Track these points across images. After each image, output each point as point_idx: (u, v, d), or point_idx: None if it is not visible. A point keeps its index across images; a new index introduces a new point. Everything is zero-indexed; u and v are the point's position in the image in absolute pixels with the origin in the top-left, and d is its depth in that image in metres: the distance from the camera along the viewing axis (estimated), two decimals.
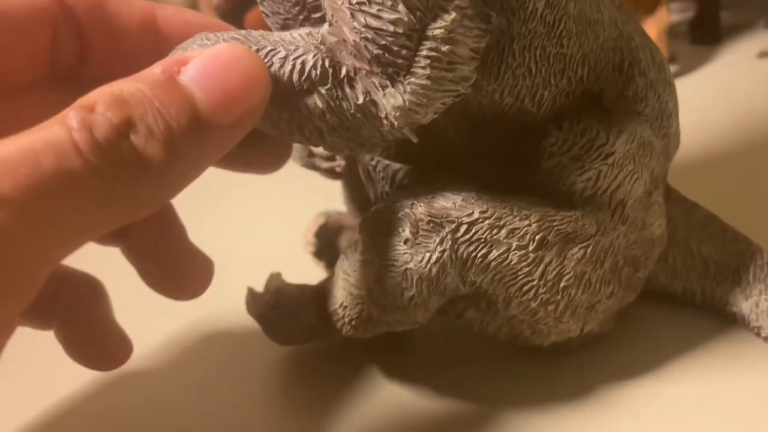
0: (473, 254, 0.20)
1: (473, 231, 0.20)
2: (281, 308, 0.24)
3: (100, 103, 0.16)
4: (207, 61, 0.17)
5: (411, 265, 0.20)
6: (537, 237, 0.20)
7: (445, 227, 0.20)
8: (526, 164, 0.22)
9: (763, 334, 0.24)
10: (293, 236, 0.32)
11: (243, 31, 0.19)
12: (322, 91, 0.18)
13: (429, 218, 0.20)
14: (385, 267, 0.20)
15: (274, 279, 0.26)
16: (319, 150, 0.27)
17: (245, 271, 0.27)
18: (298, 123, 0.19)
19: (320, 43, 0.18)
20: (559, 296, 0.21)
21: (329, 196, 0.32)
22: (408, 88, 0.18)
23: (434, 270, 0.20)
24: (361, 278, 0.21)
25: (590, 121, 0.21)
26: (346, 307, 0.22)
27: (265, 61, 0.18)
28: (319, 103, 0.18)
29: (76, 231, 0.16)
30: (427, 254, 0.20)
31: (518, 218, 0.20)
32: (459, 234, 0.20)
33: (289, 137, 0.19)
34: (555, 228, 0.21)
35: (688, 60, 0.48)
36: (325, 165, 0.27)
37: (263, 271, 0.25)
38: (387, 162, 0.23)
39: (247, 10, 0.41)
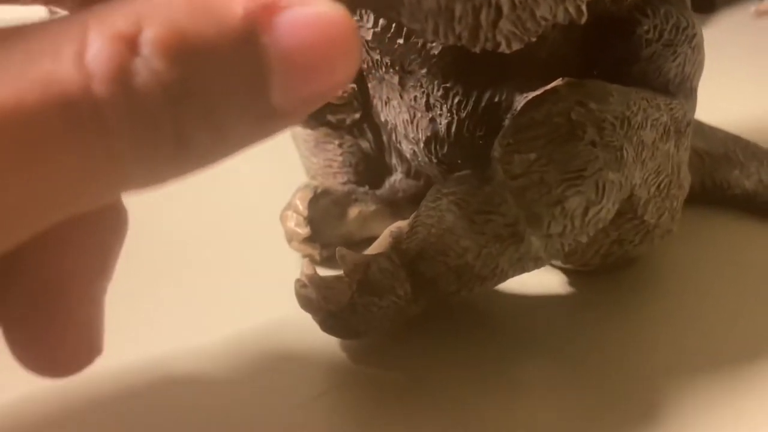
0: (638, 152, 0.18)
1: (633, 125, 0.18)
2: (373, 286, 0.19)
3: (150, 40, 0.10)
4: (302, 24, 0.11)
5: (606, 170, 0.17)
6: (667, 127, 0.19)
7: (616, 124, 0.17)
8: (624, 58, 0.20)
9: None
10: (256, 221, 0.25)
11: None
12: None
13: (605, 115, 0.17)
14: (568, 181, 0.17)
15: (309, 266, 0.20)
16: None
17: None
18: None
19: None
20: (680, 189, 0.20)
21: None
22: None
23: (626, 172, 0.17)
24: (524, 207, 0.17)
25: (665, 6, 0.20)
26: (488, 254, 0.18)
27: None
28: None
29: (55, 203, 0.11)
30: (618, 153, 0.17)
31: (653, 108, 0.19)
32: (625, 130, 0.18)
33: (448, 23, 0.15)
34: (673, 116, 0.19)
35: None
36: (338, 116, 0.22)
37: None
38: (455, 88, 0.19)
39: None
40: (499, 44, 0.16)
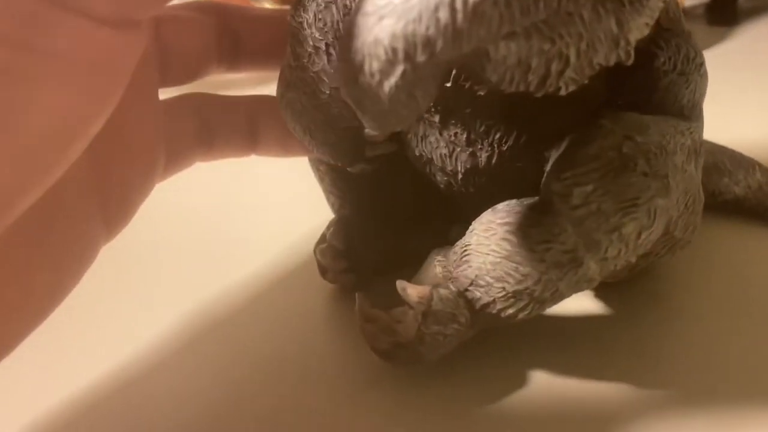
0: (674, 177, 0.19)
1: (669, 152, 0.19)
2: (438, 316, 0.20)
3: None
4: None
5: (657, 198, 0.18)
6: (690, 150, 0.21)
7: (658, 153, 0.19)
8: (644, 89, 0.22)
9: (761, 209, 0.28)
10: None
11: None
12: (584, 13, 0.16)
13: (649, 146, 0.19)
14: (624, 210, 0.18)
15: (362, 300, 0.21)
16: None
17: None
18: (559, 50, 0.16)
19: None
20: (701, 204, 0.22)
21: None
22: (648, 3, 0.17)
23: (672, 197, 0.19)
24: (582, 234, 0.18)
25: (674, 38, 0.22)
26: (548, 280, 0.19)
27: None
28: (580, 27, 0.16)
29: None
30: (665, 181, 0.18)
31: (679, 134, 0.20)
32: (664, 158, 0.19)
33: (523, 75, 0.16)
34: (693, 139, 0.21)
35: (703, 40, 0.47)
36: (376, 152, 0.23)
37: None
38: (497, 125, 0.21)
39: None
40: (559, 89, 0.17)
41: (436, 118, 0.21)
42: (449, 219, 0.25)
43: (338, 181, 0.26)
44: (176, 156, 0.21)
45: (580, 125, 0.21)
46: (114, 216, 0.19)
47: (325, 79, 0.21)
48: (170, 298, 0.26)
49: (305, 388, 0.22)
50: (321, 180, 0.27)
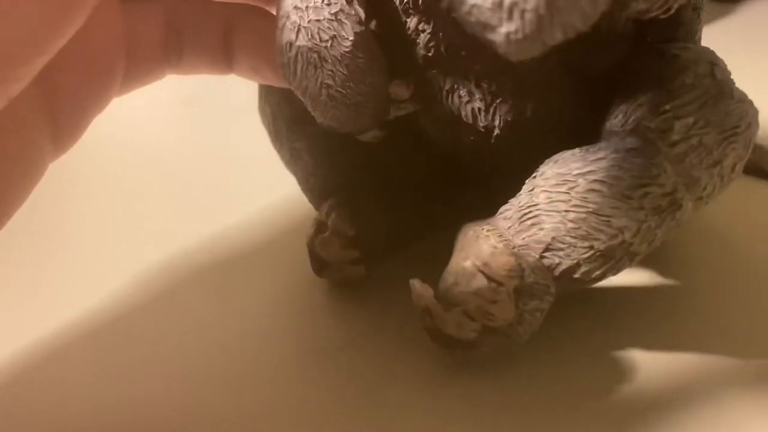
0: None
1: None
2: (533, 290, 0.17)
3: None
4: None
5: (754, 124, 0.17)
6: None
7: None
8: (670, 22, 0.21)
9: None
10: None
11: None
12: None
13: (728, 72, 0.17)
14: (726, 140, 0.17)
15: (423, 287, 0.18)
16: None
17: None
18: None
19: None
20: None
21: None
22: None
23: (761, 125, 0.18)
24: (683, 172, 0.17)
25: None
26: (648, 229, 0.17)
27: None
28: None
29: None
30: (754, 107, 0.17)
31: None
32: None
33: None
34: None
35: (707, 15, 0.43)
36: (400, 112, 0.19)
37: None
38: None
39: None
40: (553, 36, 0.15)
41: (477, 66, 0.18)
42: (456, 184, 0.23)
43: (321, 156, 0.22)
44: (139, 65, 0.19)
45: (620, 64, 0.19)
46: (63, 128, 0.18)
47: (346, 21, 0.17)
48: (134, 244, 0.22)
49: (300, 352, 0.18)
50: (294, 162, 0.22)
